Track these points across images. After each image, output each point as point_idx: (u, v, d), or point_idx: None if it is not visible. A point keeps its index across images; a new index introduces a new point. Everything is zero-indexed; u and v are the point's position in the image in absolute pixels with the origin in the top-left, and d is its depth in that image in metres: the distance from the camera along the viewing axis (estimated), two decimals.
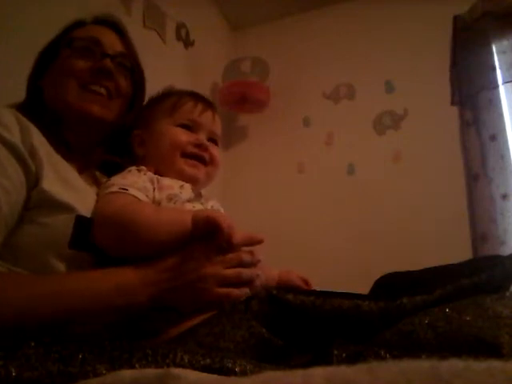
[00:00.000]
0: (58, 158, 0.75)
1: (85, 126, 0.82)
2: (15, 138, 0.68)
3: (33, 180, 0.68)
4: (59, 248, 0.67)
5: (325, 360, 0.43)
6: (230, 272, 0.66)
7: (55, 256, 0.67)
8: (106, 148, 0.91)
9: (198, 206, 0.78)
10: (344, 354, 0.42)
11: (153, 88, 0.99)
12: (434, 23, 2.21)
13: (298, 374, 0.29)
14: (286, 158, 2.34)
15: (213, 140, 0.87)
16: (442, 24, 2.17)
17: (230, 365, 0.40)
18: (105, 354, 0.42)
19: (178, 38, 2.12)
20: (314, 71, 2.44)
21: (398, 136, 2.19)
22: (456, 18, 2.15)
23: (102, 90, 0.81)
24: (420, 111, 2.16)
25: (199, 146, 0.83)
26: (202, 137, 0.84)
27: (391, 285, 0.60)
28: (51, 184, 0.69)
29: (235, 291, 0.65)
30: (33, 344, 0.42)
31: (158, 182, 0.77)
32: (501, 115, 1.99)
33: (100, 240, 0.68)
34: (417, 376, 0.25)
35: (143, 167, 0.79)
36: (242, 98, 2.24)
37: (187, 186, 0.79)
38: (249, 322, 0.52)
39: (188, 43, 2.19)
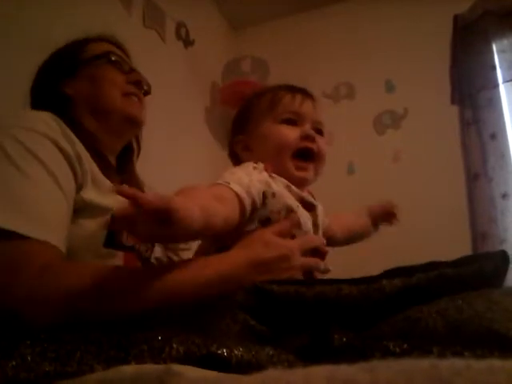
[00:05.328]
0: (97, 169, 0.76)
1: (125, 131, 0.90)
2: (64, 143, 0.70)
3: (78, 186, 0.71)
4: (97, 247, 0.69)
5: (324, 344, 0.43)
6: (312, 261, 0.70)
7: (94, 256, 0.69)
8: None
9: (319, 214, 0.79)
10: (344, 339, 0.42)
11: (153, 88, 0.99)
12: (433, 23, 2.21)
13: (298, 373, 0.29)
14: None
15: (318, 130, 0.83)
16: (441, 23, 2.17)
17: (226, 354, 0.40)
18: (102, 353, 0.42)
19: (178, 37, 2.12)
20: (313, 70, 2.44)
21: (398, 135, 2.19)
22: (456, 18, 2.15)
23: (137, 99, 0.90)
24: (420, 110, 2.16)
25: (307, 137, 0.79)
26: (308, 127, 0.80)
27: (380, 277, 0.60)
28: (90, 192, 0.72)
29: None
30: (29, 343, 0.42)
31: (276, 187, 0.73)
32: (501, 114, 1.99)
33: None
34: (417, 375, 0.25)
35: (260, 165, 0.76)
36: (242, 97, 2.24)
37: (300, 200, 0.77)
38: (232, 311, 0.51)
39: (188, 43, 2.18)
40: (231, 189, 0.66)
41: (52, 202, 0.65)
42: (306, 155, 0.80)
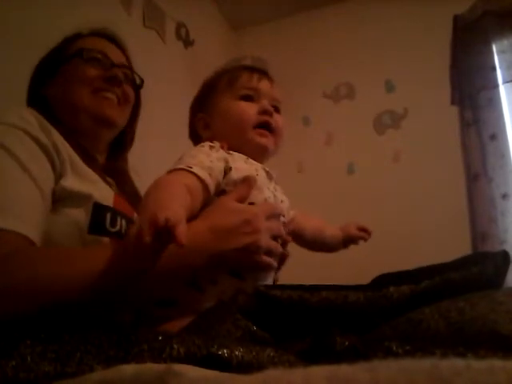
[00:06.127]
0: (77, 158, 0.77)
1: (97, 131, 0.86)
2: (41, 135, 0.71)
3: (57, 176, 0.72)
4: (82, 234, 0.70)
5: (326, 347, 0.43)
6: (274, 244, 0.69)
7: (79, 243, 0.69)
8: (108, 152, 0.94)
9: (278, 189, 0.80)
10: (346, 342, 0.42)
11: (153, 88, 0.99)
12: (433, 23, 2.21)
13: (298, 373, 0.29)
14: (286, 157, 2.33)
15: (275, 107, 0.86)
16: (441, 24, 2.17)
17: (226, 355, 0.40)
18: (101, 353, 0.42)
19: (178, 37, 2.12)
20: (314, 71, 2.44)
21: (398, 135, 2.19)
22: (456, 18, 2.15)
23: (114, 96, 0.86)
24: (420, 111, 2.16)
25: (265, 112, 0.82)
26: (266, 103, 0.83)
27: (386, 284, 0.60)
28: (71, 180, 0.72)
29: (274, 263, 0.68)
30: (29, 343, 0.42)
31: (233, 161, 0.75)
32: (501, 115, 1.99)
33: None
34: (417, 374, 0.25)
35: (216, 143, 0.78)
36: None
37: (260, 168, 0.79)
38: (234, 316, 0.51)
39: (188, 43, 2.18)
40: (196, 174, 0.68)
41: (22, 193, 0.65)
42: (265, 128, 0.83)
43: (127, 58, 0.95)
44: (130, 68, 0.94)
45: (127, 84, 0.90)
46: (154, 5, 1.95)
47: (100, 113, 0.84)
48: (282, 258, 0.75)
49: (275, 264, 0.69)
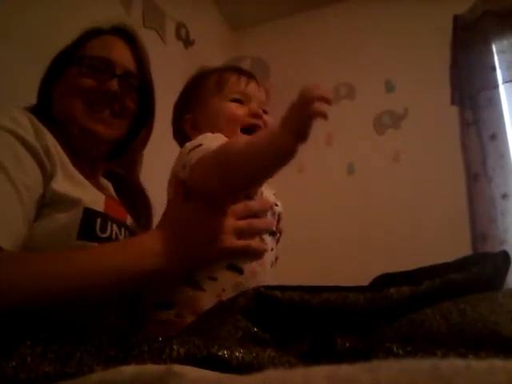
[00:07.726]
0: (67, 161, 0.76)
1: (89, 142, 0.84)
2: (31, 137, 0.70)
3: (48, 179, 0.71)
4: (71, 240, 0.69)
5: (326, 348, 0.43)
6: (242, 223, 0.69)
7: (66, 249, 0.68)
8: (111, 157, 0.93)
9: (267, 188, 0.80)
10: (347, 344, 0.42)
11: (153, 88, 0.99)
12: (434, 23, 2.21)
13: (298, 373, 0.29)
14: None
15: (263, 110, 0.87)
16: (441, 24, 2.17)
17: (226, 355, 0.40)
18: (101, 353, 0.42)
19: (178, 37, 2.12)
20: (313, 70, 2.44)
21: (398, 136, 2.19)
22: (456, 18, 2.15)
23: (106, 112, 0.83)
24: (420, 111, 2.16)
25: (255, 115, 0.83)
26: (255, 106, 0.85)
27: (386, 284, 0.60)
28: (62, 183, 0.71)
29: (253, 242, 0.69)
30: (29, 343, 0.42)
31: None
32: (501, 115, 1.99)
33: (201, 182, 0.70)
34: (418, 374, 0.25)
35: (219, 134, 0.79)
36: None
37: None
38: (234, 317, 0.51)
39: (188, 43, 2.19)
40: None
41: (1, 200, 0.64)
42: (253, 131, 0.83)
43: (141, 60, 0.90)
44: (135, 75, 0.89)
45: (127, 95, 0.86)
46: (154, 5, 1.95)
47: (89, 128, 0.81)
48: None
49: (256, 244, 0.69)
